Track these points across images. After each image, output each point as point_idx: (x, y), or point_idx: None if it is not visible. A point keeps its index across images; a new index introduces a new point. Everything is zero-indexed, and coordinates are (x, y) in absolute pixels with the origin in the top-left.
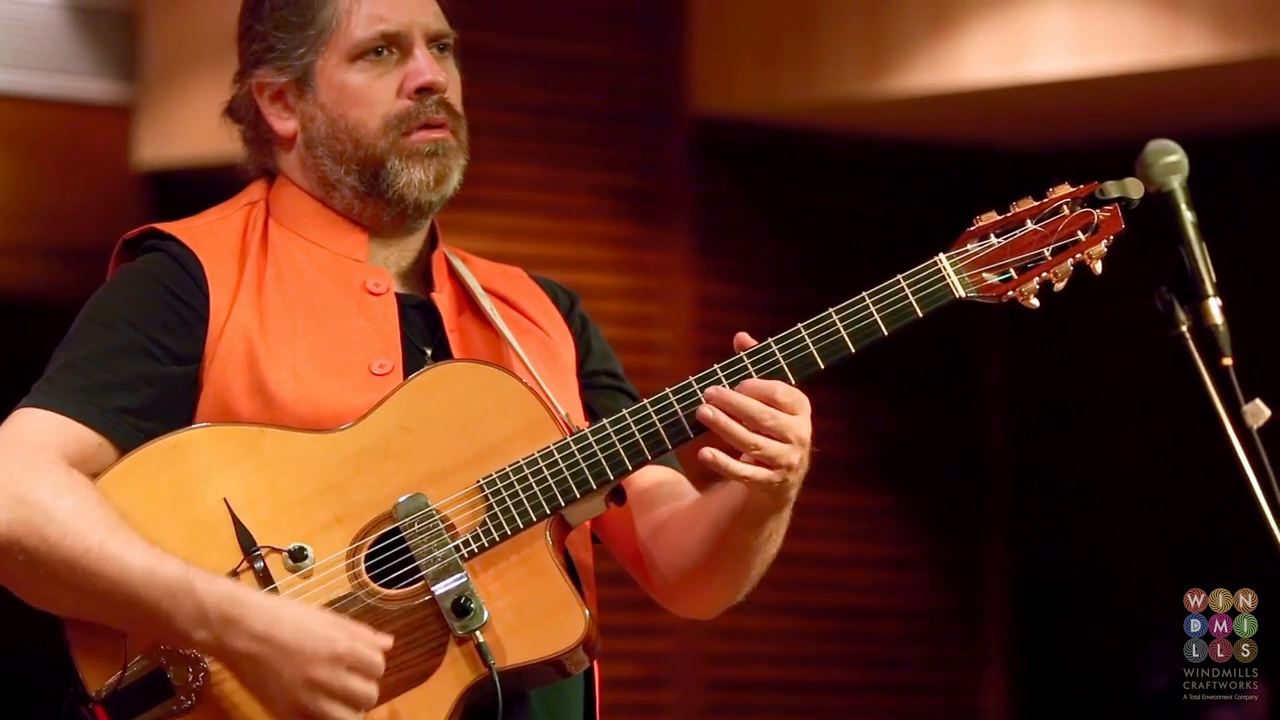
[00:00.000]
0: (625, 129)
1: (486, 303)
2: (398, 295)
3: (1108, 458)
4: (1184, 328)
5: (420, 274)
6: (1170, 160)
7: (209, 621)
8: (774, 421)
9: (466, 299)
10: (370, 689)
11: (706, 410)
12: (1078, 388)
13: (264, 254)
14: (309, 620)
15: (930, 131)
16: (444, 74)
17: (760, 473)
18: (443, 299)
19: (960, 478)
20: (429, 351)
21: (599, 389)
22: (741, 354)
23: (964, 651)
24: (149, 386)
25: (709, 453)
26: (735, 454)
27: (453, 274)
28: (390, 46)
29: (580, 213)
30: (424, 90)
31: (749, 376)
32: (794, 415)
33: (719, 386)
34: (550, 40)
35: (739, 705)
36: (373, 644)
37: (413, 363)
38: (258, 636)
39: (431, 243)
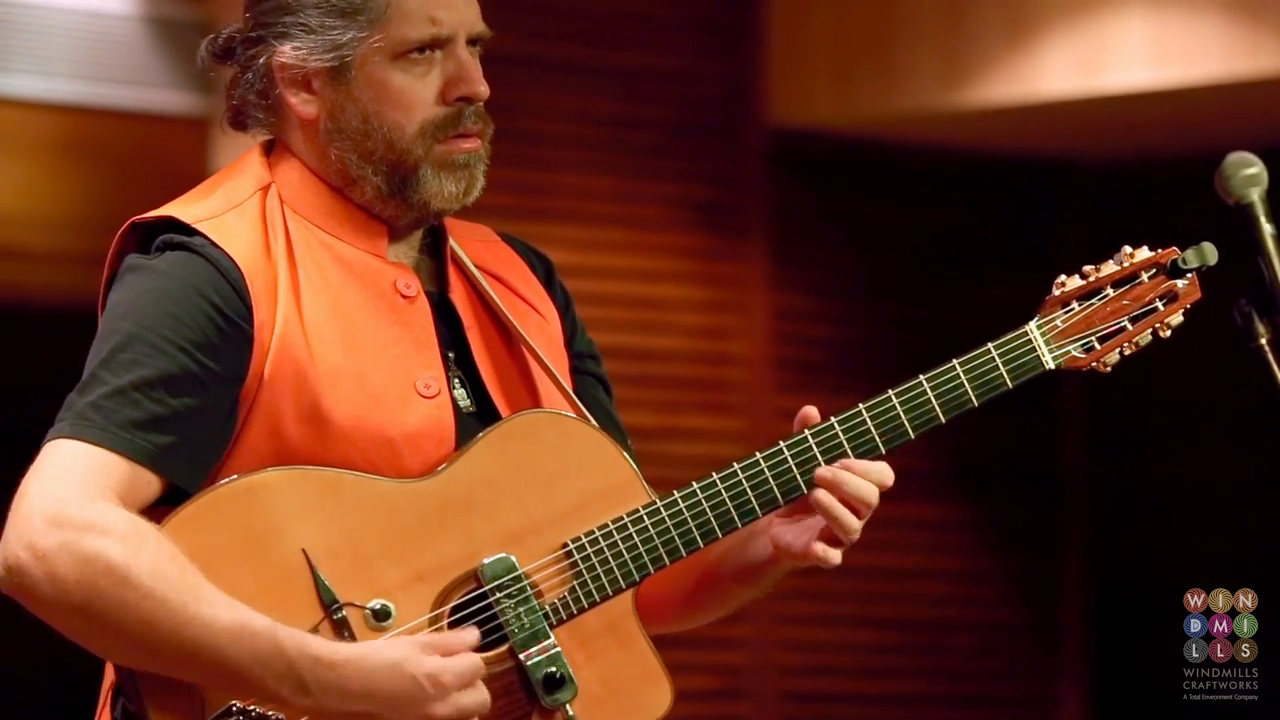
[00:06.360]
0: (701, 141)
1: (489, 288)
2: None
3: (1185, 471)
4: (1263, 340)
5: (429, 266)
6: (1250, 172)
7: (307, 689)
8: (871, 507)
9: (471, 288)
10: (482, 694)
11: (821, 494)
12: (1155, 401)
13: (290, 251)
14: (404, 662)
15: (1007, 144)
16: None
17: (835, 554)
18: (459, 296)
19: (1037, 491)
20: (452, 355)
21: (584, 375)
22: (833, 420)
23: (1041, 665)
24: (200, 418)
25: (820, 547)
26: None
27: (455, 259)
28: (436, 47)
29: (656, 224)
30: (466, 99)
31: (840, 447)
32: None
33: (834, 469)
34: (627, 52)
35: (814, 717)
36: (464, 645)
37: (445, 372)
38: (359, 695)
39: (433, 229)
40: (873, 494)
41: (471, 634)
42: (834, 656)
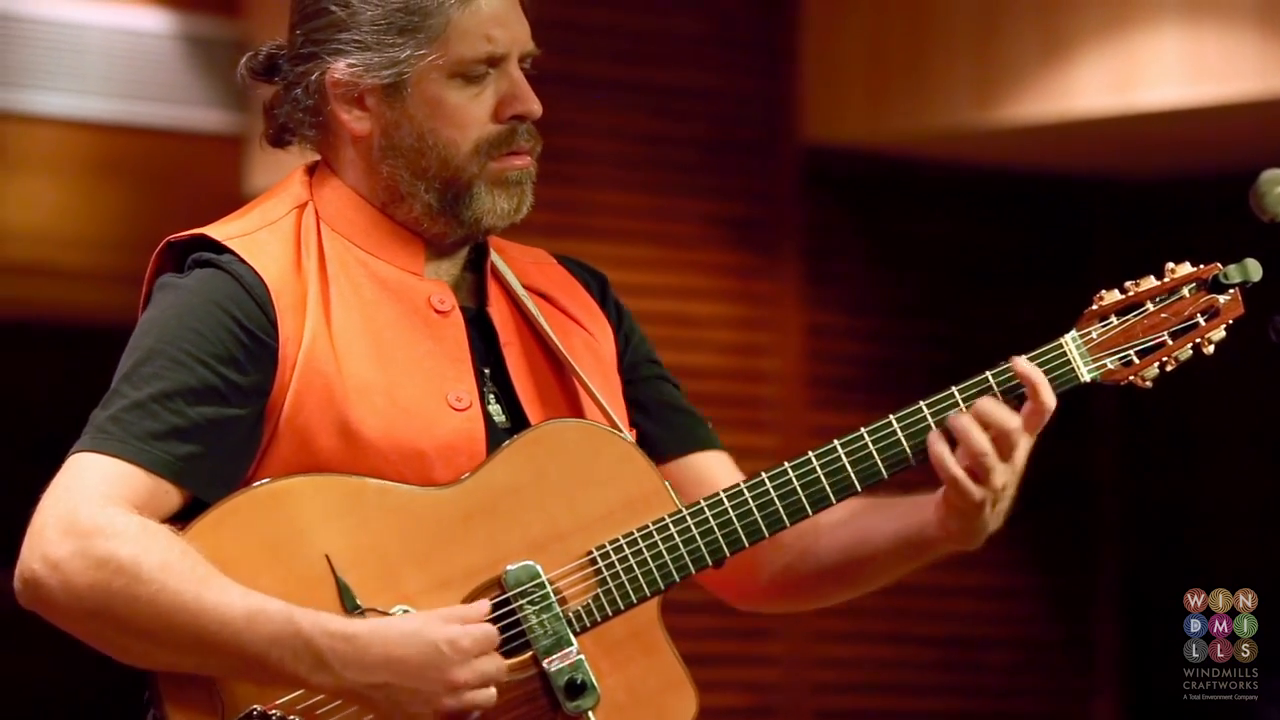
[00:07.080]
0: (735, 158)
1: (532, 306)
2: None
3: (1220, 487)
4: None
5: (470, 282)
6: None
7: (326, 664)
8: (992, 454)
9: (513, 305)
10: (500, 661)
11: (939, 450)
12: (1189, 417)
13: (322, 268)
14: (422, 629)
15: (1041, 161)
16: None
17: (971, 485)
18: (497, 311)
19: (1071, 508)
20: (488, 371)
21: (644, 380)
22: (862, 431)
23: (1075, 682)
24: (221, 430)
25: (937, 443)
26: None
27: (495, 275)
28: (491, 65)
29: (689, 242)
30: (519, 117)
31: (870, 457)
32: (1022, 442)
33: (953, 420)
34: (660, 69)
35: None
36: (478, 616)
37: (479, 386)
38: (379, 665)
39: (478, 247)
40: (983, 442)
41: (483, 605)
42: (867, 673)
